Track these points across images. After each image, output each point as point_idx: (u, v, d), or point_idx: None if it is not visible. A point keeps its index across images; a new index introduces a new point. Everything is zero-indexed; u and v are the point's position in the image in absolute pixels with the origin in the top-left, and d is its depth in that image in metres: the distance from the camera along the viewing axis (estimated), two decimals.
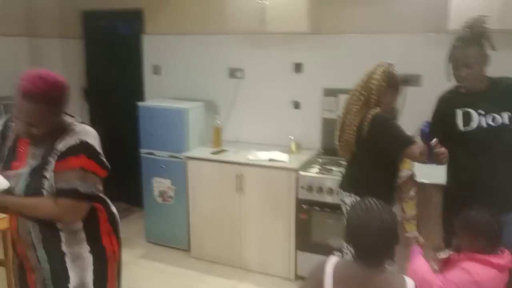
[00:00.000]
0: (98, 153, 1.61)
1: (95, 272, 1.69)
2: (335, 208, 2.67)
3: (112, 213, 1.81)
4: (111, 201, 1.83)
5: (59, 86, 1.54)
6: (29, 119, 1.49)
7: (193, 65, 3.78)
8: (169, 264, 3.33)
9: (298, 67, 3.38)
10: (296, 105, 3.44)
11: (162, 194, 3.47)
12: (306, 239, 2.96)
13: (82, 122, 1.67)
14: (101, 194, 1.71)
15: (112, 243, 1.76)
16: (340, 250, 2.38)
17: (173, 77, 3.88)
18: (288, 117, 3.48)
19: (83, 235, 1.66)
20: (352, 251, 1.48)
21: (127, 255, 3.39)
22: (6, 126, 1.68)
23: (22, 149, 1.61)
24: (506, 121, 1.97)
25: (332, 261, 1.43)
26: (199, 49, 3.72)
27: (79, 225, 1.64)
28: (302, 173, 2.92)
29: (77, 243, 1.65)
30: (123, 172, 4.18)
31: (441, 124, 2.07)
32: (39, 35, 4.12)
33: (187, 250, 3.45)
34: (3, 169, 1.59)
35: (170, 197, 3.45)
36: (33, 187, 1.54)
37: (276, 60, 3.45)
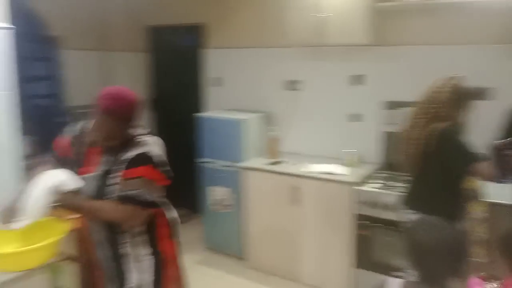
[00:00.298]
0: (162, 163, 1.71)
1: (154, 274, 1.78)
2: (397, 226, 2.57)
3: (173, 217, 1.90)
4: (173, 206, 1.92)
5: (134, 104, 1.67)
6: (107, 133, 1.62)
7: (252, 77, 3.85)
8: (225, 271, 3.38)
9: (358, 79, 3.33)
10: (356, 118, 3.38)
11: (219, 202, 3.55)
12: (366, 257, 2.88)
13: (150, 133, 1.78)
14: (162, 200, 1.80)
15: (172, 247, 1.85)
16: (402, 270, 2.28)
17: (232, 89, 3.98)
18: (347, 129, 3.43)
19: (144, 238, 1.75)
20: (415, 272, 1.42)
21: (185, 260, 3.52)
22: (82, 132, 1.81)
23: (94, 156, 1.73)
24: None
25: (396, 283, 1.38)
26: (257, 61, 3.79)
27: (141, 228, 1.74)
28: (362, 188, 2.85)
29: (138, 245, 1.75)
30: (184, 179, 4.34)
31: None
32: (109, 49, 4.42)
33: (243, 258, 3.49)
34: (77, 172, 1.72)
35: (228, 205, 3.51)
36: (101, 191, 1.66)
37: (335, 72, 3.43)
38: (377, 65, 3.23)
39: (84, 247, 1.82)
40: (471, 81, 2.15)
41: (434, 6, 2.88)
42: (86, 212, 1.70)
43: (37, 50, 3.91)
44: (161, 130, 4.71)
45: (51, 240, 1.60)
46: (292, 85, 3.65)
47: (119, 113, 1.61)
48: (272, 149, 3.52)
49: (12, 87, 2.07)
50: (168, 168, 1.74)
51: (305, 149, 3.61)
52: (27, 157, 2.12)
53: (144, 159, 1.66)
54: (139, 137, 1.72)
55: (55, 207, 1.62)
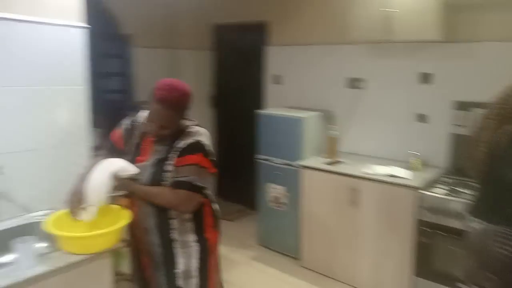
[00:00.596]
0: (211, 153, 1.80)
1: (199, 260, 1.85)
2: (462, 235, 2.40)
3: (216, 209, 1.96)
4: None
5: (188, 95, 1.76)
6: (162, 122, 1.71)
7: (313, 75, 3.80)
8: (279, 270, 3.38)
9: (425, 78, 3.15)
10: (422, 119, 3.20)
11: (275, 199, 3.56)
12: (427, 265, 2.72)
13: (197, 124, 1.86)
14: (208, 192, 1.86)
15: (215, 236, 1.93)
16: (466, 283, 2.13)
17: (293, 86, 3.96)
18: (411, 131, 3.26)
19: (191, 225, 1.83)
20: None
21: (239, 255, 3.59)
22: (132, 125, 1.92)
23: (146, 146, 1.83)
24: None
25: None
26: (319, 59, 3.74)
27: (189, 215, 1.82)
28: (426, 192, 2.70)
29: (186, 232, 1.82)
30: (241, 175, 4.42)
31: None
32: (176, 46, 4.60)
33: (297, 258, 3.47)
34: (130, 162, 1.81)
35: (283, 203, 3.51)
36: (156, 178, 1.75)
37: (401, 70, 3.27)
38: (447, 63, 3.03)
39: (133, 233, 1.91)
40: None
41: None
42: (142, 197, 1.79)
43: (111, 47, 4.19)
44: (222, 125, 4.83)
45: (116, 226, 1.71)
46: (354, 83, 3.55)
47: (174, 103, 1.69)
48: (331, 149, 3.44)
49: (85, 82, 2.24)
50: (215, 158, 1.83)
51: (365, 150, 3.50)
52: (96, 148, 2.27)
53: (197, 148, 1.75)
54: (189, 127, 1.80)
55: (114, 194, 1.73)
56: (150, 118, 1.74)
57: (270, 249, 3.69)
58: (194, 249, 1.84)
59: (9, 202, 2.00)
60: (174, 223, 1.81)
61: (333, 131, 3.46)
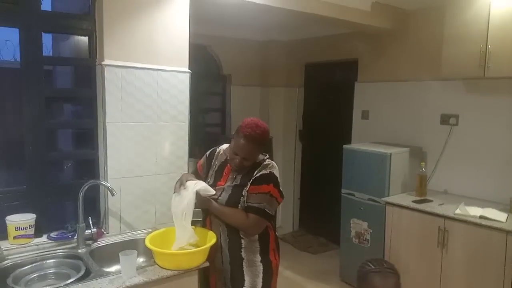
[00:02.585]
0: (279, 183, 1.99)
1: (263, 280, 1.99)
2: None
3: (277, 235, 2.12)
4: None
5: (268, 133, 2.00)
6: (246, 155, 1.94)
7: (401, 110, 3.77)
8: None
9: None
10: None
11: (358, 235, 3.53)
12: None
13: (269, 158, 2.06)
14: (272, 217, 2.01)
15: (277, 259, 2.08)
16: None
17: (380, 122, 3.96)
18: (510, 171, 3.03)
19: (258, 246, 2.00)
20: None
21: None
22: (212, 153, 2.18)
23: (226, 173, 2.06)
24: None
25: None
26: (408, 95, 3.71)
27: (256, 236, 1.99)
28: None
29: (253, 251, 1.99)
30: (326, 209, 4.47)
31: None
32: (269, 85, 4.93)
33: None
34: (212, 185, 2.05)
35: (366, 240, 3.46)
36: (232, 200, 1.96)
37: (496, 107, 3.11)
38: None
39: None
40: None
41: None
42: (219, 215, 1.99)
43: (212, 86, 4.67)
44: (308, 158, 4.96)
45: (205, 246, 1.92)
46: (446, 119, 3.44)
47: (257, 139, 1.92)
48: (419, 186, 3.34)
49: (187, 118, 2.57)
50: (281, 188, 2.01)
51: (457, 189, 3.34)
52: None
53: (270, 178, 1.95)
54: (266, 159, 2.02)
55: (196, 208, 1.95)
56: (235, 151, 1.96)
57: (351, 285, 3.63)
58: (259, 268, 2.00)
59: (118, 220, 2.36)
60: (243, 242, 1.99)
61: (422, 168, 3.36)
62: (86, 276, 1.82)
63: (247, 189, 1.95)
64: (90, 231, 2.18)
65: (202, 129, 4.58)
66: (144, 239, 1.96)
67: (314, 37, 4.59)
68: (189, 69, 2.54)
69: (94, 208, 2.38)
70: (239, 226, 1.97)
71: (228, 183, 2.02)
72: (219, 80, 4.66)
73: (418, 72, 3.61)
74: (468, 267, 2.76)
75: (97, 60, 2.30)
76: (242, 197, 1.95)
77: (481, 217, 2.73)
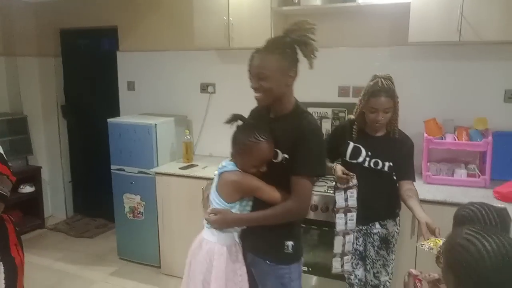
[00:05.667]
0: (6, 160, 1.73)
1: (6, 281, 1.72)
2: None
3: (16, 228, 1.86)
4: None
5: None
6: None
7: (165, 80, 3.80)
8: (140, 281, 3.29)
9: None
10: None
11: (132, 210, 3.46)
12: None
13: None
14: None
15: (20, 255, 1.81)
16: None
17: (147, 92, 3.91)
18: None
19: None
20: None
21: (97, 273, 3.41)
22: None
23: None
24: None
25: None
26: (170, 64, 3.75)
27: None
28: None
29: None
30: (100, 189, 4.20)
31: None
32: (16, 53, 4.18)
33: (158, 266, 3.42)
34: None
35: (141, 213, 3.43)
36: None
37: (245, 75, 3.43)
38: None
39: None
40: None
41: None
42: None
43: None
44: (75, 136, 4.54)
45: None
46: (205, 88, 3.64)
47: None
48: (186, 153, 3.47)
49: None
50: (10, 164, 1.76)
51: (220, 152, 3.59)
52: None
53: None
54: None
55: None
56: None
57: (131, 261, 3.57)
58: (0, 268, 1.71)
59: None
60: None
61: (187, 136, 3.49)
62: None
63: None
64: None
65: None
66: None
67: None
68: None
69: None
70: None
71: None
72: None
73: (177, 42, 3.66)
74: None
75: None
76: None
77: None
